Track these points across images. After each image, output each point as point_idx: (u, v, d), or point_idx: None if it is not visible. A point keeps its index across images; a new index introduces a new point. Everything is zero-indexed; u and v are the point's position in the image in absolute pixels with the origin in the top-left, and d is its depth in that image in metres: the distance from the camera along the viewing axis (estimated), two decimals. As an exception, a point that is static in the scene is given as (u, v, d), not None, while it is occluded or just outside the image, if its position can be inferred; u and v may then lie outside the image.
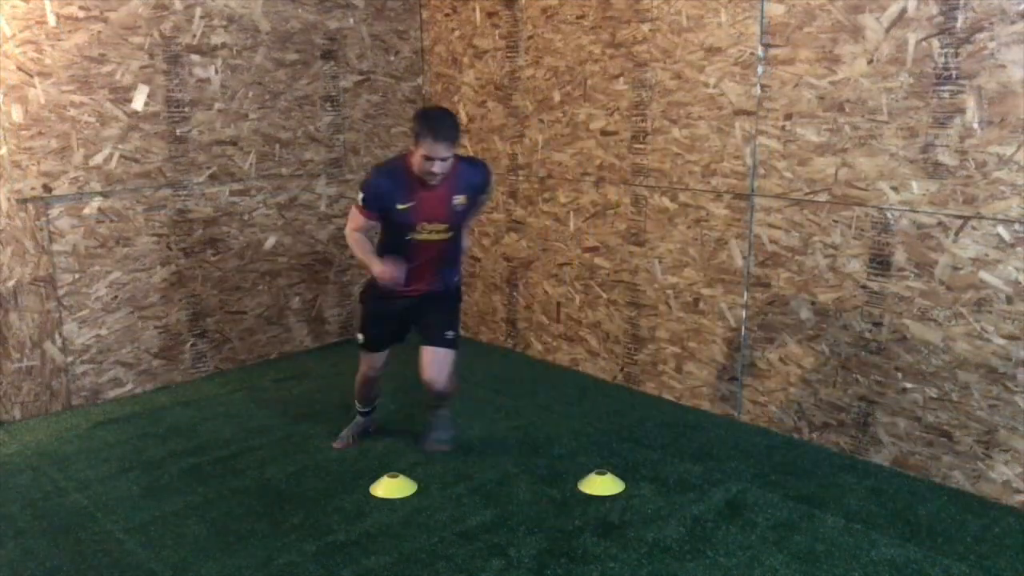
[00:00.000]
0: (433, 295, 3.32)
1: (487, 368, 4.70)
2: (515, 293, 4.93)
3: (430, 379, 3.20)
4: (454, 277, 3.43)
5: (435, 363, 3.20)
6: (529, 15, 4.51)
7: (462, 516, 3.07)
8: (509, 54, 4.66)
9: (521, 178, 4.75)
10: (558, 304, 4.69)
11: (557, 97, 4.44)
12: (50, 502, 3.21)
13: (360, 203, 3.18)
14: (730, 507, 3.12)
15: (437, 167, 3.01)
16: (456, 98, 5.03)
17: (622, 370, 4.41)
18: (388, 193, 3.14)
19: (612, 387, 4.38)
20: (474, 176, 3.30)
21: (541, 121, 4.56)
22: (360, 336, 3.47)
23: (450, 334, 3.27)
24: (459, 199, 3.20)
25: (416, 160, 3.04)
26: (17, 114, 3.77)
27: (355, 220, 3.23)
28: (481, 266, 5.11)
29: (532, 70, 4.55)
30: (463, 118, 5.00)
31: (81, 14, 3.89)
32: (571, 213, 4.51)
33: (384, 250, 3.24)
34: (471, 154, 4.84)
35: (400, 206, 3.12)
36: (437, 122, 3.01)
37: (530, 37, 4.53)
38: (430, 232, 3.20)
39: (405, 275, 3.16)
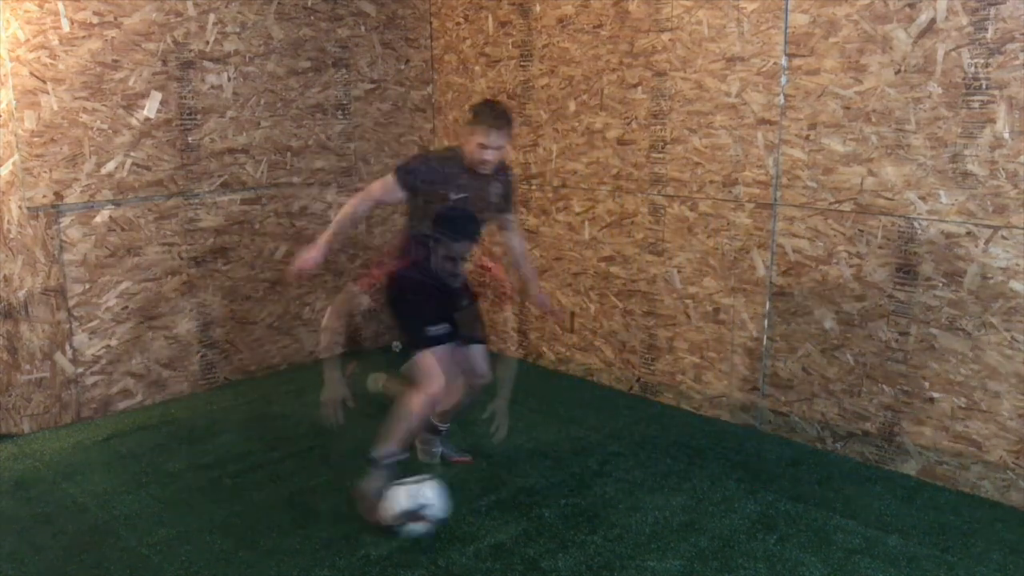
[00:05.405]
0: (465, 292, 3.40)
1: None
2: (527, 303, 4.89)
3: (482, 372, 3.45)
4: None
5: (482, 358, 3.45)
6: (544, 24, 4.49)
7: (493, 529, 3.02)
8: (523, 63, 4.64)
9: (534, 187, 4.72)
10: (572, 313, 4.66)
11: (572, 106, 4.42)
12: (69, 517, 3.13)
13: (395, 175, 3.15)
14: (762, 518, 3.09)
15: (490, 155, 3.10)
16: (467, 107, 5.00)
17: (638, 380, 4.38)
18: (435, 180, 3.14)
19: (628, 398, 4.35)
20: (503, 174, 3.34)
21: (555, 130, 4.54)
22: (428, 329, 3.11)
23: (482, 332, 3.53)
24: (496, 191, 3.28)
25: (470, 148, 3.12)
26: (30, 121, 3.70)
27: (377, 188, 3.19)
28: (492, 275, 5.07)
29: (547, 79, 4.53)
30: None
31: (95, 20, 3.82)
32: (586, 222, 4.48)
33: (419, 240, 3.17)
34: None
35: (454, 196, 3.16)
36: (493, 112, 3.14)
37: (545, 46, 4.51)
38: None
39: (453, 267, 3.16)
